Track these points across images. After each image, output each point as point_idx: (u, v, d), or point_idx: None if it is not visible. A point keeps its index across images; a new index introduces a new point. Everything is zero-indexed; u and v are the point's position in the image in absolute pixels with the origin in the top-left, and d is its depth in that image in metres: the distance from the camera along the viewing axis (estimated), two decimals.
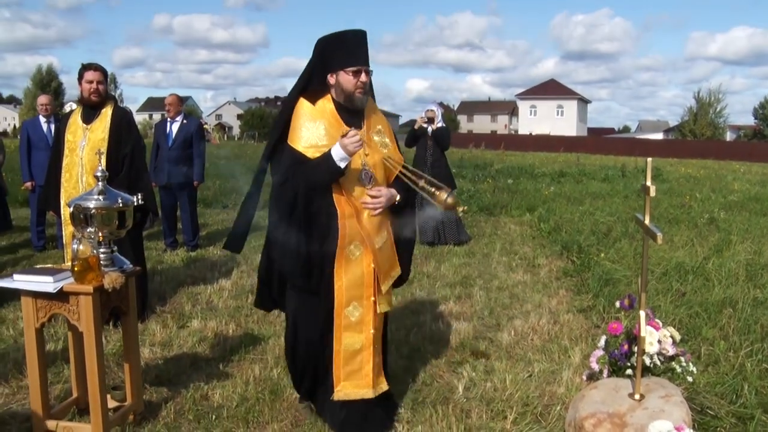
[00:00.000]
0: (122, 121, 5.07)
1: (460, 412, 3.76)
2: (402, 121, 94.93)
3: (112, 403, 3.49)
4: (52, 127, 7.80)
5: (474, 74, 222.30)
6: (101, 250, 3.27)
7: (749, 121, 73.81)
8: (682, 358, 3.39)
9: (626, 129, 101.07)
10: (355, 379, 3.42)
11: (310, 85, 3.35)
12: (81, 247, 3.09)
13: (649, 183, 2.95)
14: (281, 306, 3.68)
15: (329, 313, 3.33)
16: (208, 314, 5.52)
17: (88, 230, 3.23)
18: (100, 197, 3.25)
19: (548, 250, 8.60)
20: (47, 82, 63.41)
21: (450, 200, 3.25)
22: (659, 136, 68.19)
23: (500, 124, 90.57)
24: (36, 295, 3.16)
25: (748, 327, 4.88)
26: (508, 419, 3.66)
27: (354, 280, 3.31)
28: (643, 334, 3.12)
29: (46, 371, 3.41)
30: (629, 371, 3.33)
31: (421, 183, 3.31)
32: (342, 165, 3.12)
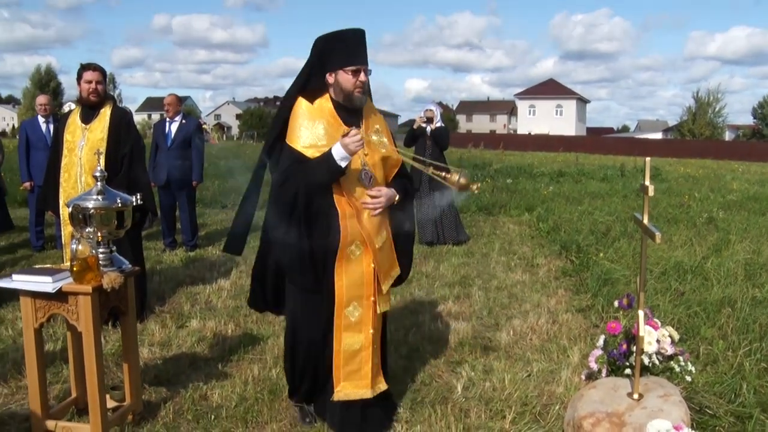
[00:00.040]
0: (121, 121, 5.07)
1: (458, 412, 3.76)
2: (401, 120, 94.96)
3: (111, 403, 3.49)
4: (51, 127, 7.80)
5: (473, 74, 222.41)
6: (100, 250, 3.27)
7: (748, 120, 74.02)
8: (681, 358, 3.39)
9: (625, 129, 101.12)
10: (355, 379, 3.41)
11: (309, 84, 3.34)
12: (80, 247, 3.09)
13: (647, 182, 2.96)
14: (274, 307, 3.68)
15: (330, 313, 3.33)
16: (207, 314, 5.52)
17: (87, 230, 3.23)
18: (99, 197, 3.25)
19: (547, 249, 8.61)
20: (46, 82, 63.46)
21: (463, 180, 3.24)
22: (658, 135, 68.25)
23: (499, 124, 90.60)
24: (35, 295, 3.15)
25: (746, 326, 4.88)
26: (507, 419, 3.67)
27: (354, 279, 3.30)
28: (641, 333, 3.12)
29: (45, 371, 3.40)
30: (628, 371, 3.34)
31: (431, 170, 3.33)
32: (343, 164, 3.12)
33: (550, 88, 79.51)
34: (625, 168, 20.76)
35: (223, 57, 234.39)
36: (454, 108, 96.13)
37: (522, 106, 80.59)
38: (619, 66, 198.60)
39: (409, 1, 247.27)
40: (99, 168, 3.35)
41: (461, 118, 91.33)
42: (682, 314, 5.22)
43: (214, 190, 13.74)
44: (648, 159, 3.09)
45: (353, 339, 3.36)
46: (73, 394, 3.64)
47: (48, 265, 3.56)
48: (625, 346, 3.40)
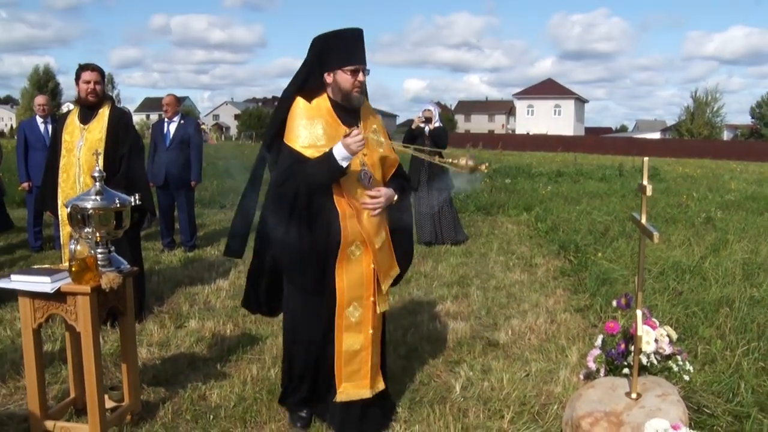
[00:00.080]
0: (119, 121, 5.06)
1: (457, 412, 3.76)
2: (399, 121, 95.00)
3: (109, 404, 3.49)
4: (50, 127, 7.78)
5: (471, 74, 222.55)
6: (99, 250, 3.27)
7: (746, 120, 74.12)
8: (679, 357, 3.40)
9: (623, 128, 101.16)
10: (355, 379, 3.42)
11: (307, 83, 3.32)
12: (78, 247, 3.09)
13: (645, 182, 2.96)
14: (267, 309, 3.68)
15: (330, 313, 3.32)
16: (205, 314, 5.52)
17: (85, 230, 3.23)
18: (98, 197, 3.25)
19: (545, 249, 8.61)
20: (44, 83, 63.44)
21: (471, 162, 3.25)
22: (656, 135, 68.34)
23: (497, 124, 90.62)
24: (33, 295, 3.15)
25: (744, 326, 4.89)
26: (506, 418, 3.67)
27: (354, 280, 3.30)
28: (639, 333, 3.13)
29: (44, 372, 3.40)
30: (626, 370, 3.34)
31: (436, 158, 3.34)
32: (344, 164, 3.11)
33: (548, 88, 79.53)
34: (623, 168, 20.77)
35: (222, 57, 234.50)
36: (453, 108, 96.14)
37: (520, 106, 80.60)
38: (617, 66, 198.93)
39: (407, 1, 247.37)
40: (97, 168, 3.35)
41: (460, 118, 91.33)
42: (680, 314, 5.23)
43: (213, 190, 13.74)
44: (646, 159, 3.09)
45: (354, 339, 3.36)
46: (72, 395, 3.64)
47: (46, 266, 3.56)
48: (623, 346, 3.40)
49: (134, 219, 3.92)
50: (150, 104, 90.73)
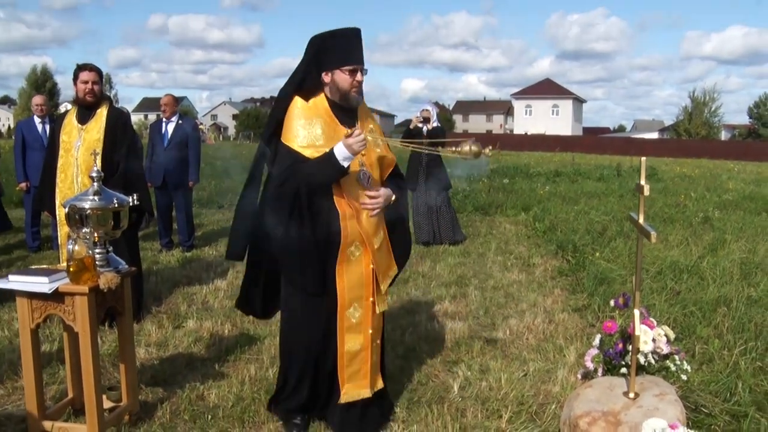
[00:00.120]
0: (117, 121, 5.06)
1: (455, 411, 3.77)
2: (397, 121, 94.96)
3: (107, 404, 3.49)
4: (47, 127, 7.79)
5: (469, 74, 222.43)
6: (97, 250, 3.27)
7: (744, 120, 74.18)
8: (677, 357, 3.40)
9: (621, 128, 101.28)
10: (356, 379, 3.42)
11: (304, 83, 3.30)
12: (76, 247, 3.09)
13: (643, 182, 2.96)
14: (261, 311, 3.67)
15: (330, 314, 3.31)
16: (203, 314, 5.52)
17: (83, 231, 3.23)
18: (96, 198, 3.25)
19: (543, 249, 8.62)
20: (42, 83, 63.39)
21: (474, 147, 3.25)
22: (654, 135, 68.40)
23: (495, 124, 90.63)
24: (31, 295, 3.15)
25: (742, 325, 4.90)
26: (503, 418, 3.68)
27: (354, 280, 3.30)
28: (637, 332, 3.13)
29: (42, 372, 3.40)
30: (624, 370, 3.34)
31: (439, 148, 3.35)
32: (345, 164, 3.11)
33: (546, 88, 79.58)
34: (621, 168, 20.80)
35: (220, 57, 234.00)
36: (451, 108, 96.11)
37: (518, 106, 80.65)
38: (615, 66, 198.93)
39: (405, 1, 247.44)
40: (95, 168, 3.35)
41: (458, 118, 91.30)
42: (677, 313, 5.24)
43: (211, 190, 13.75)
44: (644, 159, 3.09)
45: (355, 340, 3.36)
46: (70, 395, 3.63)
47: (44, 266, 3.56)
48: (621, 346, 3.41)
49: (132, 219, 3.91)
50: (148, 104, 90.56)
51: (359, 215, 3.25)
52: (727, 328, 4.88)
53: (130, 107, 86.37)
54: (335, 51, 3.22)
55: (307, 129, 3.20)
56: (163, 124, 8.29)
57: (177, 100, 8.62)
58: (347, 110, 3.31)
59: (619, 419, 2.93)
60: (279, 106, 3.33)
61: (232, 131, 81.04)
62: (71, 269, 3.07)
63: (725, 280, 6.31)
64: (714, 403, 3.69)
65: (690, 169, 24.27)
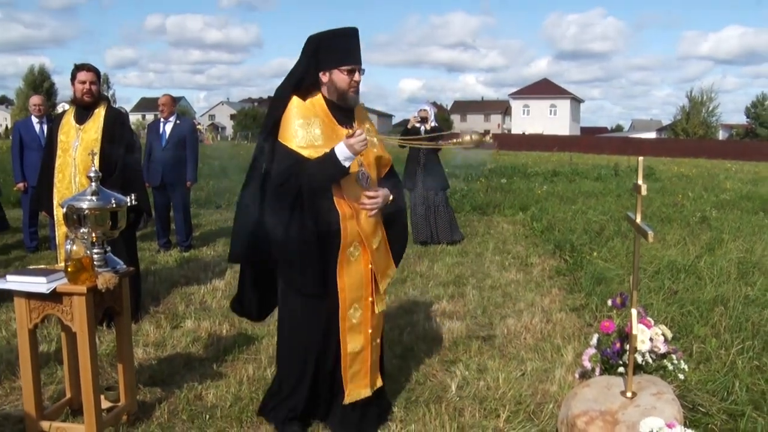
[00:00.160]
0: (115, 121, 5.06)
1: (453, 411, 3.77)
2: (395, 120, 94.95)
3: (105, 404, 3.48)
4: (45, 127, 7.77)
5: (467, 74, 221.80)
6: (94, 250, 3.27)
7: (741, 120, 74.20)
8: (674, 356, 3.41)
9: (619, 128, 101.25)
10: (358, 379, 3.42)
11: (302, 83, 3.29)
12: (74, 247, 3.09)
13: (640, 182, 2.97)
14: (257, 314, 3.65)
15: (329, 315, 3.30)
16: (201, 314, 5.52)
17: (81, 231, 3.23)
18: (94, 198, 3.25)
19: (541, 249, 8.63)
20: (39, 83, 63.15)
21: (475, 136, 3.27)
22: (652, 135, 68.39)
23: (493, 124, 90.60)
24: (29, 295, 3.15)
25: (739, 325, 4.91)
26: (501, 417, 3.68)
27: (355, 281, 3.30)
28: (634, 332, 3.13)
29: (40, 372, 3.40)
30: (621, 369, 3.35)
31: (440, 142, 3.35)
32: (347, 164, 3.11)
33: (544, 88, 79.63)
34: (618, 167, 20.82)
35: (218, 57, 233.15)
36: (449, 108, 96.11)
37: (516, 105, 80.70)
38: (612, 65, 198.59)
39: (402, 1, 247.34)
40: (93, 168, 3.35)
41: (455, 118, 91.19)
42: (675, 313, 5.25)
43: (209, 190, 13.73)
44: (641, 158, 3.10)
45: (356, 341, 3.36)
46: (68, 395, 3.63)
47: (42, 266, 3.56)
48: (618, 345, 3.41)
49: (130, 219, 3.91)
50: (146, 104, 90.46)
51: (358, 215, 3.26)
52: (724, 327, 4.89)
53: (127, 107, 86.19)
54: (333, 51, 3.22)
55: (305, 129, 3.19)
56: (161, 124, 8.29)
57: (175, 100, 8.62)
58: (344, 110, 3.31)
59: (616, 418, 2.94)
60: (277, 104, 3.30)
61: (229, 131, 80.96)
62: (69, 269, 3.07)
63: (722, 279, 6.32)
64: (711, 402, 3.70)
65: (687, 169, 24.29)
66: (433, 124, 8.84)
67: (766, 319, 5.02)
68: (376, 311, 3.41)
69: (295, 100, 3.25)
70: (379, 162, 3.43)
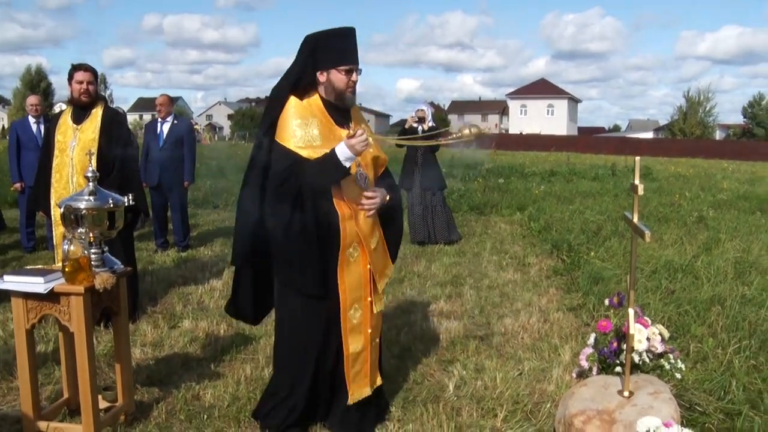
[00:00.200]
0: (113, 121, 5.06)
1: (450, 411, 3.77)
2: (392, 120, 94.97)
3: (103, 404, 3.48)
4: (42, 127, 7.76)
5: (465, 74, 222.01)
6: (92, 250, 3.27)
7: (738, 119, 74.42)
8: (671, 356, 3.42)
9: (616, 128, 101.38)
10: (359, 379, 3.43)
11: (299, 82, 3.28)
12: (72, 247, 3.08)
13: (637, 182, 2.98)
14: (253, 316, 3.64)
15: (329, 316, 3.30)
16: (199, 314, 5.52)
17: (78, 231, 3.23)
18: (91, 198, 3.25)
19: (538, 248, 8.64)
20: (36, 83, 63.07)
21: (474, 129, 3.27)
22: (649, 135, 68.53)
23: (491, 124, 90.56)
24: (26, 296, 3.15)
25: (736, 324, 4.92)
26: (499, 417, 3.69)
27: (355, 281, 3.30)
28: (632, 331, 3.14)
29: (37, 372, 3.40)
30: (618, 368, 3.36)
31: (440, 139, 3.36)
32: (347, 165, 3.10)
33: (541, 88, 79.68)
34: (616, 167, 20.84)
35: (215, 57, 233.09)
36: (446, 108, 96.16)
37: (513, 105, 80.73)
38: (610, 65, 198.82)
39: (400, 1, 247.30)
40: (91, 168, 3.35)
41: (453, 118, 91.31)
42: (672, 312, 5.26)
43: (206, 190, 13.72)
44: (638, 158, 3.11)
45: (357, 341, 3.36)
46: (65, 395, 3.63)
47: (39, 266, 3.56)
48: (615, 344, 3.42)
49: (127, 219, 3.90)
50: (143, 104, 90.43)
51: (357, 216, 3.26)
52: (721, 326, 4.90)
53: (125, 107, 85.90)
54: (331, 51, 3.21)
55: (303, 129, 3.18)
56: (159, 125, 8.28)
57: (172, 101, 8.63)
58: (341, 110, 3.31)
59: (613, 418, 2.95)
60: (275, 104, 3.28)
61: (227, 131, 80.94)
62: (67, 269, 3.07)
63: (719, 279, 6.33)
64: (708, 401, 3.70)
65: (684, 169, 24.34)
66: (430, 124, 8.83)
67: (762, 319, 5.04)
68: (375, 311, 3.41)
69: (292, 100, 3.24)
70: (376, 162, 3.43)
